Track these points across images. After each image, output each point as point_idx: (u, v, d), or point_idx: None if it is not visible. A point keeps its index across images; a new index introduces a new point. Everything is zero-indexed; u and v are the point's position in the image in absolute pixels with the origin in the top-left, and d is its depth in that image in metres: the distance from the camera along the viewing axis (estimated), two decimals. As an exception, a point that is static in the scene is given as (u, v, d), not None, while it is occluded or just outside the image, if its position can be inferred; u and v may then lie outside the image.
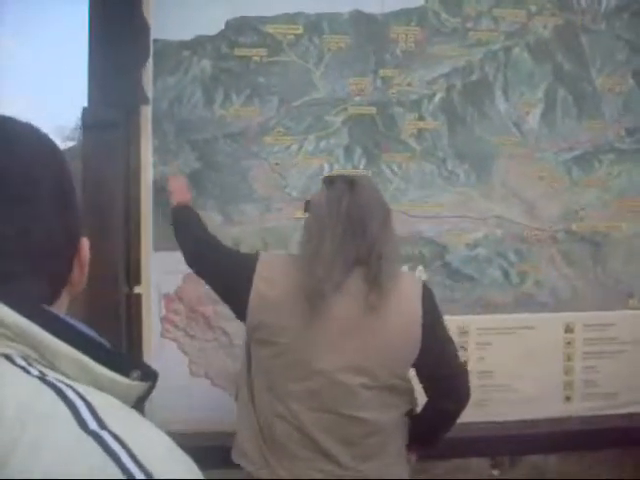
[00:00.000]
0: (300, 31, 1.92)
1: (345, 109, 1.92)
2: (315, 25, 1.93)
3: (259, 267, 1.36)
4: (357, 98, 1.93)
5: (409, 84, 1.95)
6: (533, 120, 2.02)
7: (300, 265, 1.33)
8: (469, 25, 1.99)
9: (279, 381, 1.34)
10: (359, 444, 1.34)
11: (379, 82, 1.94)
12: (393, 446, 1.39)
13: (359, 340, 1.31)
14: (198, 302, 1.88)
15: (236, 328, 1.84)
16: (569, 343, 2.06)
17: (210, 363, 1.90)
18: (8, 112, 0.55)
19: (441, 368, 1.39)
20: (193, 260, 1.52)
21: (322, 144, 1.90)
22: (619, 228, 2.06)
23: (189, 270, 1.86)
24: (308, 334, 1.31)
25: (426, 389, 1.41)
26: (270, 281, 1.35)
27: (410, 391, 1.41)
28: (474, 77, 1.99)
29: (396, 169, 1.94)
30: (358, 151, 1.92)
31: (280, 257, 1.49)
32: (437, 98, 1.97)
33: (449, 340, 1.43)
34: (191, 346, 1.91)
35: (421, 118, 1.96)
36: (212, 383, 1.91)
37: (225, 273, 1.43)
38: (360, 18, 1.95)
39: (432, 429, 1.46)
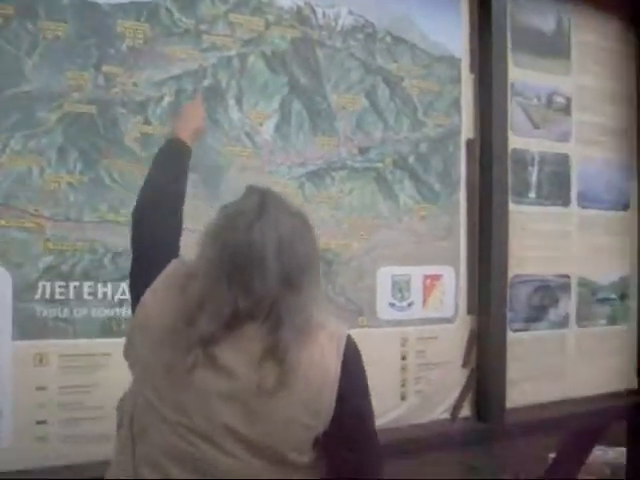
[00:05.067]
0: (11, 12, 2.02)
1: (60, 106, 2.06)
2: (29, 8, 2.04)
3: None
4: (75, 95, 2.08)
5: (135, 84, 2.16)
6: (267, 132, 2.34)
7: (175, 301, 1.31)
8: (203, 27, 2.26)
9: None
10: None
11: (101, 79, 2.12)
12: None
13: (245, 406, 1.27)
14: None
15: None
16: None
17: None
18: None
19: (352, 451, 1.35)
20: (141, 248, 1.50)
21: (31, 143, 2.02)
22: (350, 246, 2.47)
23: None
24: (177, 392, 1.29)
25: (329, 472, 1.38)
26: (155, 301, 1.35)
27: (310, 467, 1.35)
28: (207, 82, 2.26)
29: (117, 176, 2.13)
30: (74, 154, 2.08)
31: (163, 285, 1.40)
32: (165, 102, 2.20)
33: (369, 416, 1.39)
34: None
35: (147, 122, 2.17)
36: None
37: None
38: (83, 6, 2.10)
39: None
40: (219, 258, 1.28)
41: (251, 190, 1.39)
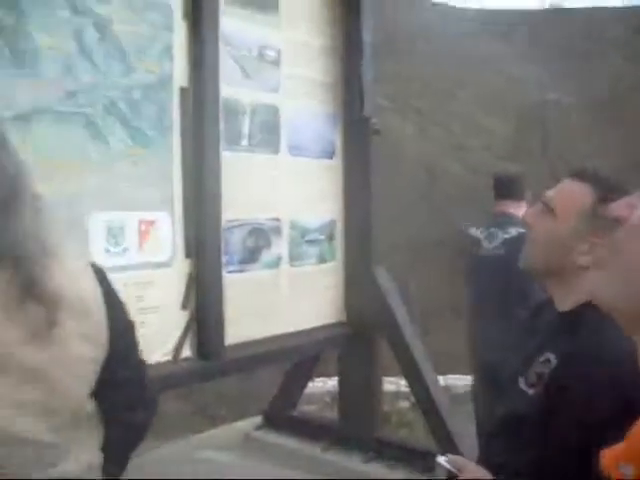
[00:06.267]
0: None
1: None
2: None
3: None
4: None
5: None
6: (-37, 72, 2.22)
7: None
8: None
9: None
10: None
11: None
12: None
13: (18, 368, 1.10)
14: None
15: None
16: None
17: None
18: None
19: (128, 369, 1.30)
20: None
21: None
22: (59, 193, 2.43)
23: None
24: None
25: (106, 403, 1.26)
26: None
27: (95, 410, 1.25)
28: None
29: None
30: None
31: None
32: None
33: (132, 331, 1.34)
34: None
35: None
36: None
37: None
38: None
39: (123, 449, 1.34)
40: None
41: None
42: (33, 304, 1.10)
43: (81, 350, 1.18)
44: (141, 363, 1.38)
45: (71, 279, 1.20)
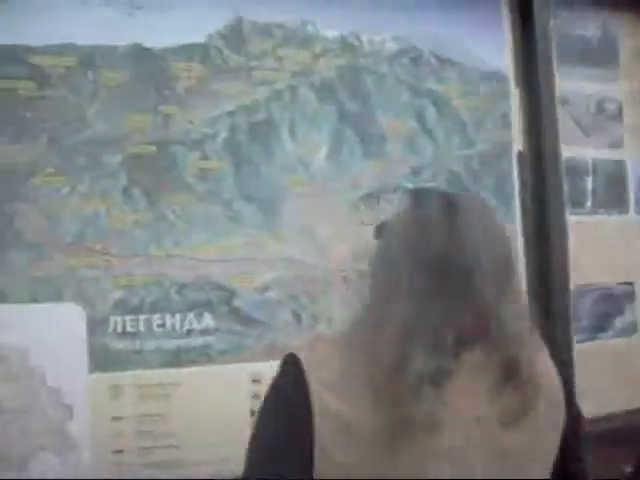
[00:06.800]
0: (72, 64, 2.15)
1: (123, 148, 2.18)
2: (89, 58, 2.17)
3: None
4: (136, 137, 2.19)
5: (191, 122, 2.26)
6: (320, 159, 2.41)
7: (362, 351, 1.05)
8: (253, 63, 2.35)
9: None
10: None
11: (159, 120, 2.23)
12: None
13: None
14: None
15: None
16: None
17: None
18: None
19: (576, 461, 1.25)
20: None
21: (97, 186, 2.14)
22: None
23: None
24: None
25: None
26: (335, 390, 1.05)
27: None
28: (259, 116, 2.35)
29: (179, 211, 2.22)
30: (137, 193, 2.18)
31: (326, 344, 1.16)
32: (221, 137, 2.29)
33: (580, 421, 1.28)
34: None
35: (204, 157, 2.27)
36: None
37: None
38: (138, 53, 2.22)
39: None
40: (423, 275, 1.05)
41: (422, 194, 1.17)
42: (513, 388, 1.07)
43: (550, 439, 1.14)
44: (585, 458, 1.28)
45: (545, 364, 1.17)
